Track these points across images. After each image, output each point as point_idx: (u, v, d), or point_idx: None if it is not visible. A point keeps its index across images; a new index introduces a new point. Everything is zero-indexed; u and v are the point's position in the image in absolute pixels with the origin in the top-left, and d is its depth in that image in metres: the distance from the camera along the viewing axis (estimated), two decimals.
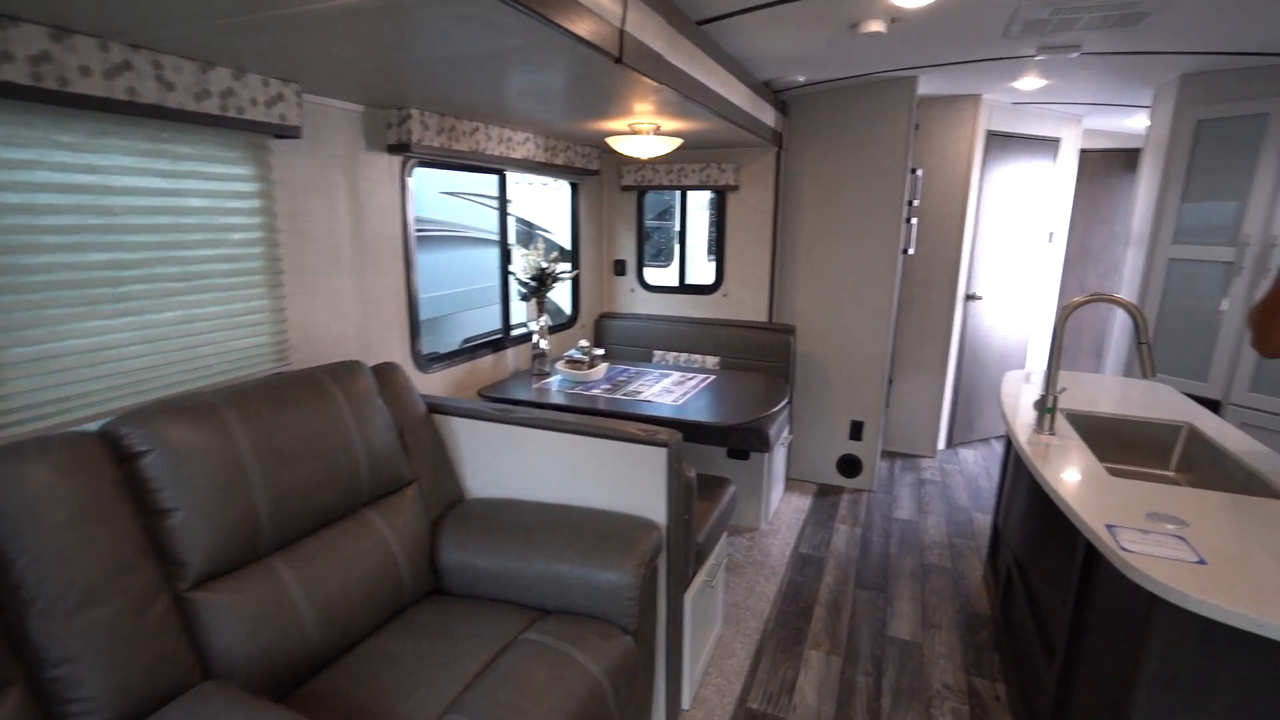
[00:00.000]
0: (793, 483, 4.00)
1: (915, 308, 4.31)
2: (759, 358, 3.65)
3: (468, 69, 1.82)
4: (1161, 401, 2.35)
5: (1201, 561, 1.28)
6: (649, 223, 6.16)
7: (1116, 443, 2.19)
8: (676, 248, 4.17)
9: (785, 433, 3.61)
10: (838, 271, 3.77)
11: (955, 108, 4.04)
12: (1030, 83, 3.55)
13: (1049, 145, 4.55)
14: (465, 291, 5.00)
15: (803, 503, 3.76)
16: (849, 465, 3.94)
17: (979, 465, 4.39)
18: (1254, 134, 3.02)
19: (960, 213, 4.13)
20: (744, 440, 3.16)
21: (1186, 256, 3.30)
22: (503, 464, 2.05)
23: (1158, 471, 2.14)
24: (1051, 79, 3.47)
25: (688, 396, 2.91)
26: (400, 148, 2.36)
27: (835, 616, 2.67)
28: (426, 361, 2.70)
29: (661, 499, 1.84)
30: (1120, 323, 3.81)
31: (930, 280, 4.25)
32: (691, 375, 3.30)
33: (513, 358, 3.31)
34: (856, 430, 3.88)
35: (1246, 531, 1.40)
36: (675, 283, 4.08)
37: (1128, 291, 3.74)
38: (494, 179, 3.19)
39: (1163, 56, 2.92)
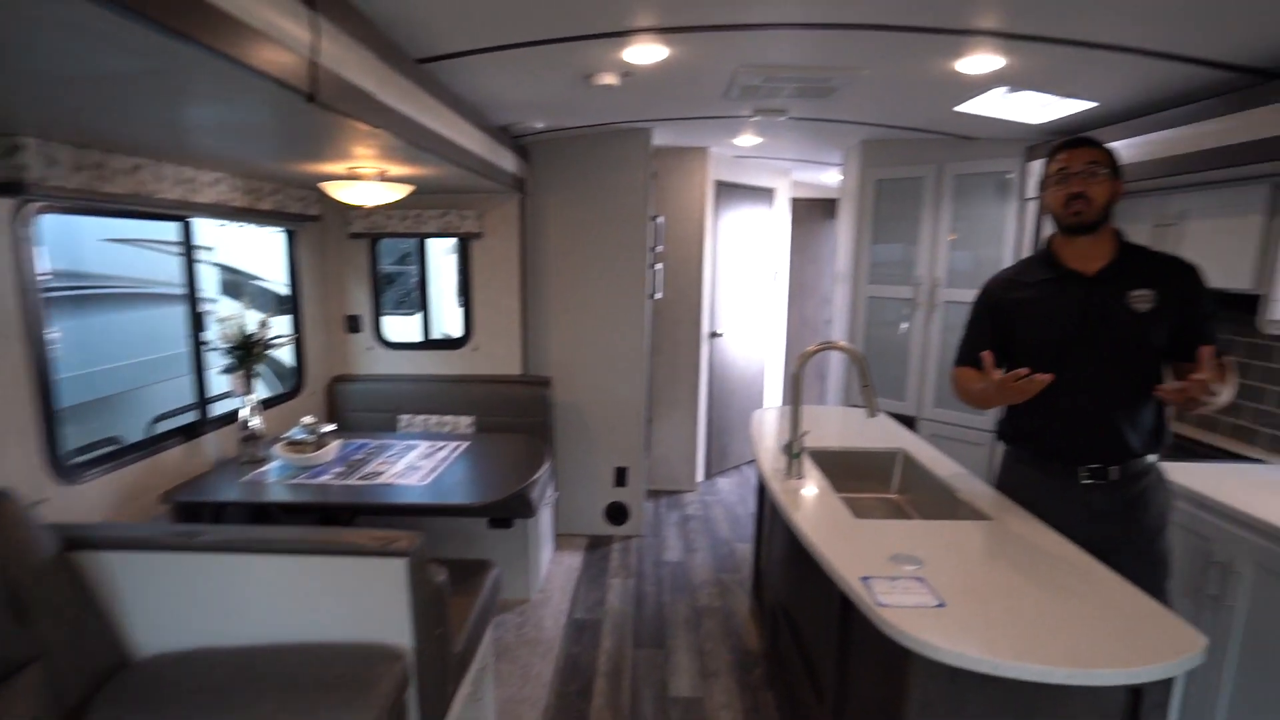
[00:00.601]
0: (562, 539, 3.84)
1: (666, 348, 4.46)
2: (516, 414, 3.44)
3: (116, 93, 1.39)
4: (880, 430, 2.62)
5: (941, 604, 1.34)
6: (389, 268, 5.66)
7: (850, 472, 2.38)
8: (423, 299, 3.80)
9: (550, 491, 3.45)
10: (590, 318, 3.74)
11: (686, 158, 4.29)
12: (748, 139, 3.89)
13: (766, 194, 5.07)
14: (154, 360, 4.07)
15: (574, 560, 3.61)
16: (617, 512, 3.89)
17: (735, 494, 4.65)
18: (916, 192, 3.62)
19: (698, 256, 4.38)
20: (506, 509, 2.92)
21: (880, 294, 3.83)
22: (190, 603, 1.57)
23: (885, 495, 2.36)
24: (765, 137, 3.84)
25: (438, 472, 2.58)
26: (10, 188, 1.75)
27: (616, 686, 2.53)
28: (74, 468, 2.03)
29: (405, 618, 1.54)
30: (840, 354, 4.30)
31: (678, 321, 4.44)
32: (442, 444, 2.97)
33: (215, 444, 2.67)
34: (621, 476, 3.85)
35: (969, 561, 1.54)
36: (420, 338, 3.73)
37: (839, 322, 4.25)
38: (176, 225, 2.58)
39: (848, 125, 3.37)
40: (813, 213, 5.91)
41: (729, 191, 4.68)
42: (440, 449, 2.89)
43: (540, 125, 3.23)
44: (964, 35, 1.93)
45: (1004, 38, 1.93)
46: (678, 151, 4.28)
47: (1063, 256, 1.76)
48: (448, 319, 4.45)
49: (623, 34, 2.00)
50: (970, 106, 2.71)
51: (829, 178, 5.19)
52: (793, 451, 2.04)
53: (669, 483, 4.64)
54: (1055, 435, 1.76)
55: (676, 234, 4.35)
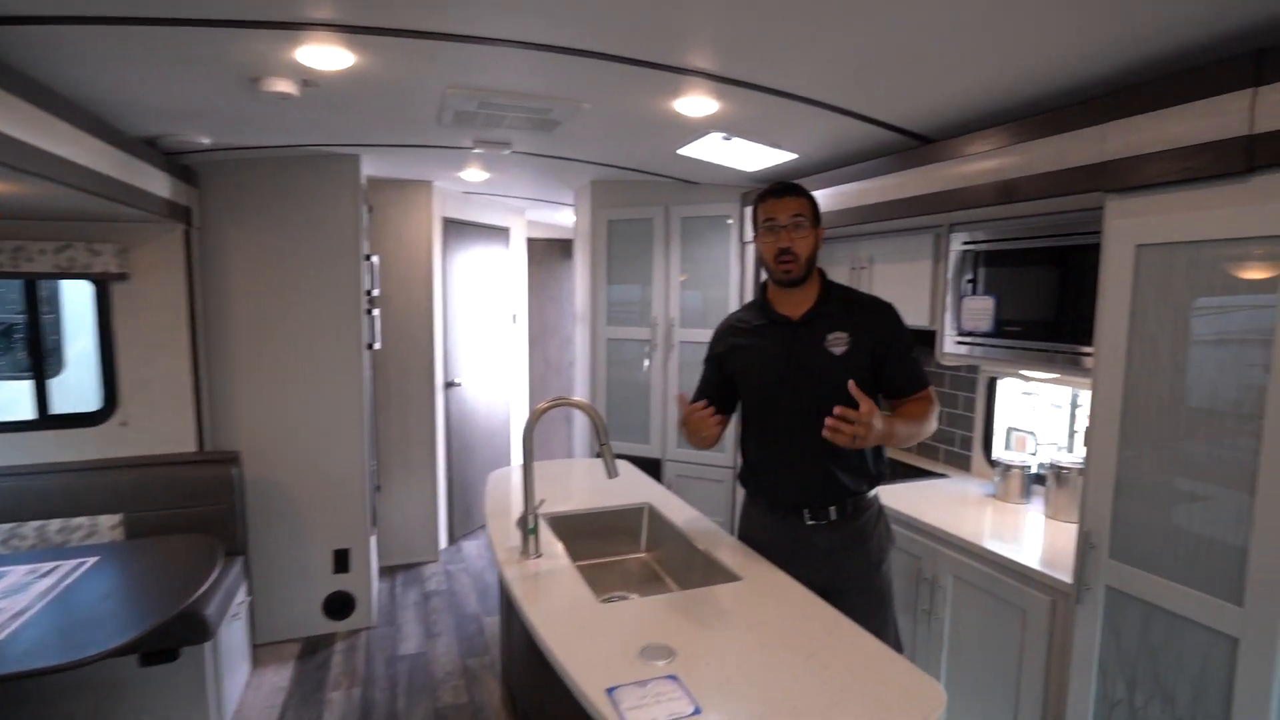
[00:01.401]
0: (264, 652, 3.08)
1: (395, 403, 3.93)
2: (188, 503, 2.68)
3: None
4: (625, 483, 2.46)
5: (697, 711, 1.15)
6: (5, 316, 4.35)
7: (597, 533, 2.17)
8: (36, 361, 2.83)
9: (239, 597, 2.72)
10: (291, 376, 3.10)
11: (409, 192, 3.87)
12: (475, 174, 3.61)
13: (501, 233, 4.82)
14: None
15: (280, 677, 2.89)
16: (339, 604, 3.25)
17: (483, 558, 4.23)
18: (647, 234, 3.65)
19: (427, 299, 3.96)
20: (167, 638, 2.18)
21: (619, 335, 3.77)
22: None
23: (635, 555, 2.19)
24: (493, 172, 3.59)
25: (28, 615, 1.80)
26: None
27: None
28: None
29: None
30: (584, 392, 4.16)
31: (407, 371, 3.94)
32: (50, 566, 2.14)
33: None
34: (342, 560, 3.23)
35: (724, 642, 1.38)
36: (33, 414, 2.75)
37: (581, 364, 4.12)
38: None
39: (576, 163, 3.27)
40: (551, 253, 5.82)
41: (460, 230, 4.34)
42: (45, 574, 2.06)
43: (206, 141, 2.60)
44: (680, 74, 1.88)
45: (716, 80, 1.91)
46: (398, 184, 3.84)
47: (775, 303, 1.79)
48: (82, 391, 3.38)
49: (289, 26, 1.59)
50: (691, 150, 2.75)
51: (564, 217, 5.13)
52: (528, 526, 1.75)
53: (406, 555, 4.07)
54: (776, 479, 1.79)
55: (400, 275, 3.88)
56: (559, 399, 1.86)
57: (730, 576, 1.68)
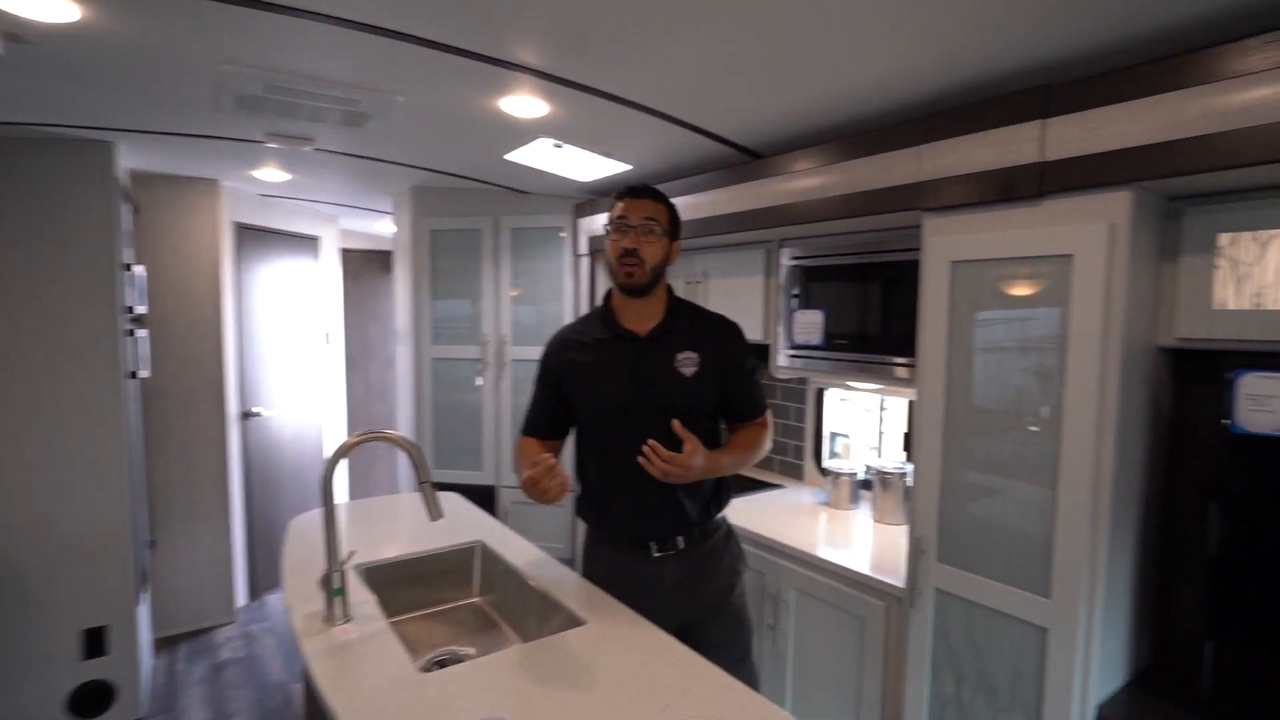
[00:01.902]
0: None
1: (173, 441, 3.31)
2: None
3: None
4: (456, 519, 2.21)
5: None
6: None
7: (422, 581, 1.91)
8: None
9: None
10: (21, 418, 2.47)
11: (188, 192, 3.30)
12: (273, 174, 3.16)
13: (309, 243, 4.31)
14: None
15: None
16: (92, 698, 2.62)
17: None
18: (475, 245, 3.41)
19: (216, 318, 3.39)
20: None
21: (447, 355, 3.48)
22: None
23: (466, 601, 1.95)
24: (296, 173, 3.17)
25: None
26: None
27: None
28: None
29: None
30: (408, 418, 3.79)
31: (189, 403, 3.34)
32: None
33: None
34: (96, 642, 2.61)
35: (567, 704, 1.21)
36: None
37: (404, 387, 3.76)
38: None
39: (393, 166, 2.96)
40: (369, 265, 5.33)
41: (258, 238, 3.80)
42: None
43: None
44: (507, 69, 1.71)
45: (545, 79, 1.77)
46: (173, 181, 3.26)
47: (620, 315, 1.65)
48: None
49: None
50: (520, 156, 2.58)
51: (383, 226, 4.72)
52: (333, 588, 1.47)
53: (193, 620, 3.43)
54: (620, 510, 1.64)
55: (180, 289, 3.29)
56: (368, 433, 1.58)
57: (573, 620, 1.52)
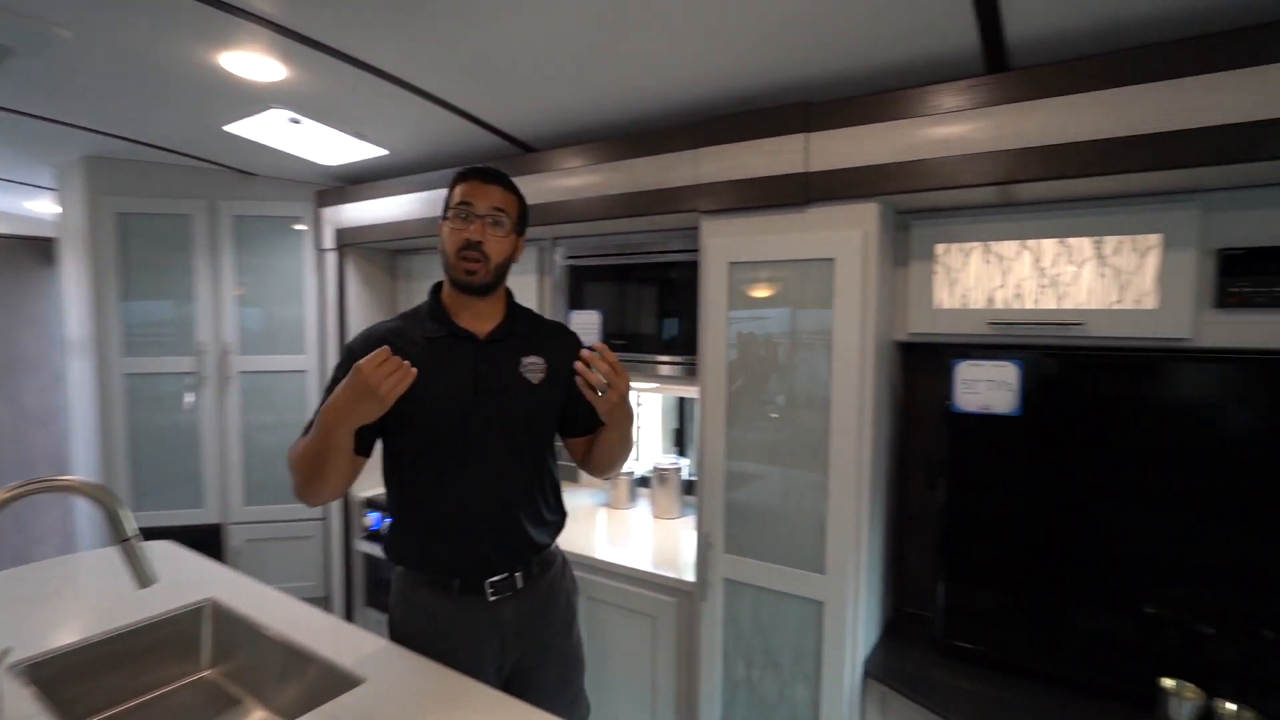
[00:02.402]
0: None
1: None
2: None
3: None
4: (172, 575, 1.75)
5: None
6: None
7: (123, 666, 1.47)
8: None
9: None
10: None
11: None
12: None
13: None
14: None
15: None
16: None
17: None
18: (185, 234, 2.80)
19: None
20: None
21: (145, 369, 2.80)
22: None
23: (193, 678, 1.55)
24: None
25: None
26: None
27: None
28: None
29: None
30: (90, 450, 2.98)
31: None
32: None
33: None
34: None
35: None
36: None
37: (82, 410, 2.96)
38: None
39: (54, 127, 2.28)
40: (27, 256, 4.13)
41: None
42: None
43: None
44: (230, 13, 1.38)
45: (282, 33, 1.47)
46: None
47: (454, 312, 1.43)
48: None
49: None
50: (245, 129, 2.15)
51: (40, 206, 3.67)
52: None
53: None
54: (454, 542, 1.38)
55: None
56: (28, 485, 1.13)
57: (346, 681, 1.28)
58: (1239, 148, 1.18)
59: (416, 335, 1.41)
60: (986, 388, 1.59)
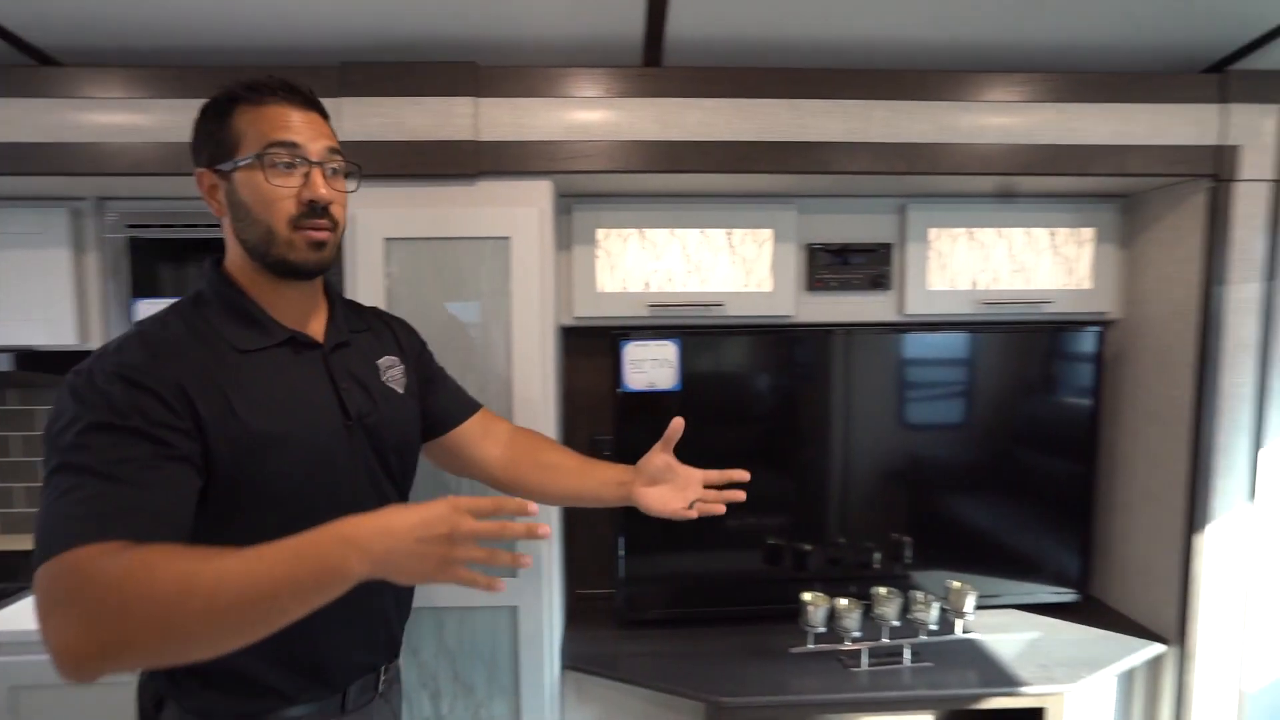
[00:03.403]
0: None
1: None
2: None
3: None
4: None
5: None
6: None
7: None
8: None
9: None
10: None
11: None
12: None
13: None
14: None
15: None
16: None
17: None
18: None
19: None
20: None
21: None
22: None
23: None
24: None
25: None
26: None
27: None
28: None
29: None
30: None
31: None
32: None
33: None
34: None
35: None
36: None
37: None
38: None
39: None
40: None
41: None
42: None
43: None
44: None
45: None
46: None
47: (271, 308, 0.96)
48: None
49: None
50: None
51: None
52: None
53: None
54: (301, 645, 0.91)
55: None
56: None
57: None
58: (833, 160, 1.48)
59: (225, 349, 0.91)
60: (651, 366, 1.70)
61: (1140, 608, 1.76)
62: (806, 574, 1.78)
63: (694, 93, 1.46)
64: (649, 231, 1.71)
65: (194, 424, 0.82)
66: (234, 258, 0.96)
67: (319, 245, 0.93)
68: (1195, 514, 1.59)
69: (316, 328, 1.01)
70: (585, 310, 1.72)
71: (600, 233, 1.71)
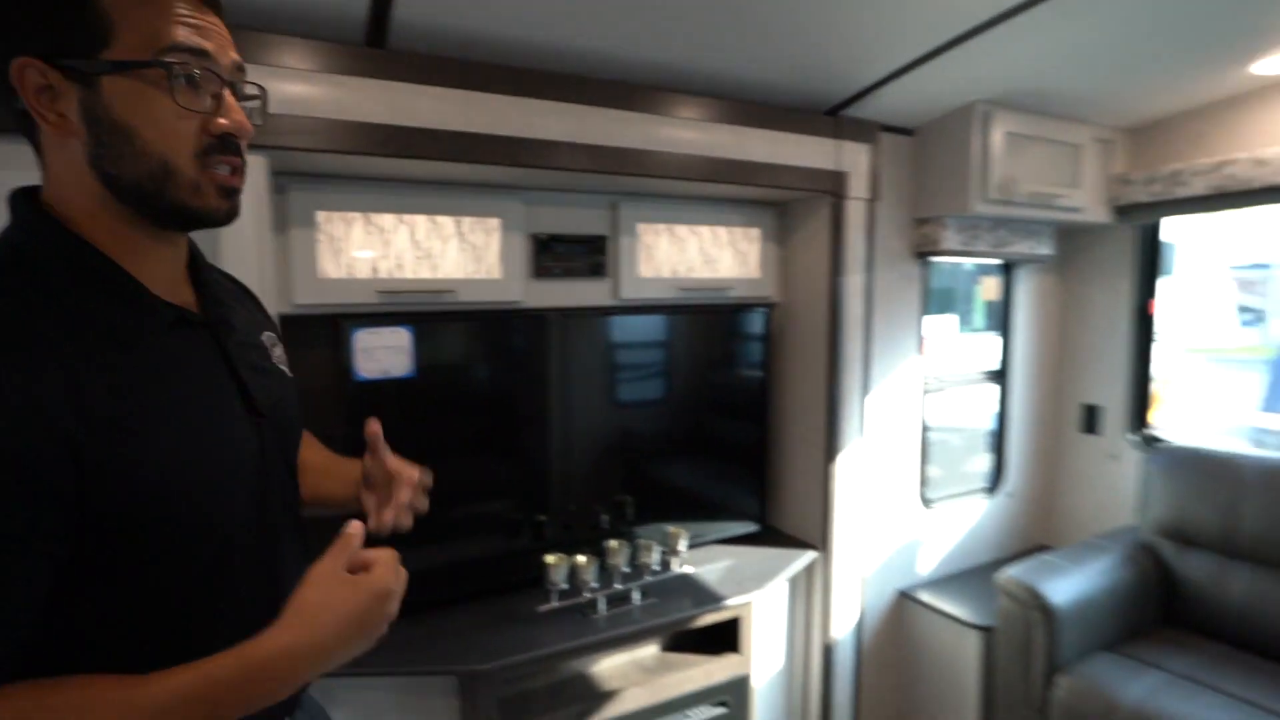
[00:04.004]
0: None
1: None
2: None
3: None
4: None
5: None
6: None
7: None
8: None
9: None
10: None
11: None
12: None
13: None
14: None
15: None
16: None
17: None
18: None
19: None
20: None
21: None
22: None
23: None
24: None
25: None
26: None
27: None
28: None
29: None
30: None
31: None
32: None
33: None
34: None
35: None
36: None
37: None
38: None
39: None
40: None
41: None
42: None
43: None
44: None
45: None
46: None
47: (138, 272, 0.68)
48: None
49: None
50: None
51: None
52: None
53: None
54: None
55: None
56: None
57: None
58: (557, 157, 1.62)
59: (96, 341, 0.63)
60: (385, 354, 1.67)
61: (800, 527, 2.25)
62: (545, 542, 1.92)
63: (422, 80, 1.47)
64: (375, 216, 1.67)
65: (71, 483, 0.57)
66: (72, 195, 0.66)
67: (231, 192, 0.71)
68: (830, 449, 2.11)
69: (187, 296, 0.76)
70: (307, 298, 1.62)
71: (321, 215, 1.62)
